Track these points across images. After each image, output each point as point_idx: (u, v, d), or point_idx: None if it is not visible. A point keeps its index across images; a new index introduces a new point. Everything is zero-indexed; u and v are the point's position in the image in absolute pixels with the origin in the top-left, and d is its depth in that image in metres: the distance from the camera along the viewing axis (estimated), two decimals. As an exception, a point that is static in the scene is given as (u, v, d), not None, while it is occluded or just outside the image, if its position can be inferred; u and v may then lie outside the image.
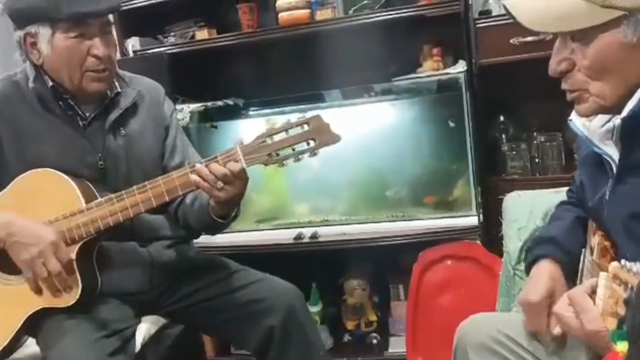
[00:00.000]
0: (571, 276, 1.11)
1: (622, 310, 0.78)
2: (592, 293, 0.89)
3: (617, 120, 0.95)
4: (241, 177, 1.35)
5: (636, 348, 0.71)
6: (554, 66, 0.98)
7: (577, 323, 0.89)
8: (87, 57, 1.41)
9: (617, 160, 1.00)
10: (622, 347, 0.75)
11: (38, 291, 1.39)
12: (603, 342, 0.81)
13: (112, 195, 1.39)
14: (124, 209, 1.38)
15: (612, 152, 1.01)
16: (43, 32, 1.40)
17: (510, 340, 1.18)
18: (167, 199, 1.38)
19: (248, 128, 2.34)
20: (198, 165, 1.34)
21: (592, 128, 1.04)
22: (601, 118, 1.04)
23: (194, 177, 1.34)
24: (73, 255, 1.37)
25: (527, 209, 1.54)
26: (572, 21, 0.91)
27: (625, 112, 0.93)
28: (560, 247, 1.15)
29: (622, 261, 0.80)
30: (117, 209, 1.38)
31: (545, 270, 1.13)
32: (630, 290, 0.75)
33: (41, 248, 1.32)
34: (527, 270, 1.20)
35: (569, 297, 0.92)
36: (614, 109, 0.97)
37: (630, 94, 0.92)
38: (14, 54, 2.68)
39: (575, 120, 1.07)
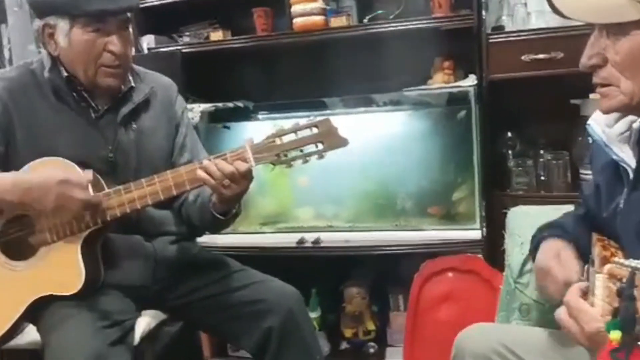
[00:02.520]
0: None
1: (617, 303, 0.79)
2: (583, 295, 0.90)
3: (636, 123, 0.96)
4: (247, 177, 1.36)
5: (629, 336, 0.74)
6: (585, 60, 0.99)
7: (578, 327, 0.90)
8: (103, 53, 1.43)
9: (633, 167, 1.01)
10: (615, 335, 0.76)
11: (42, 278, 1.40)
12: (602, 340, 0.81)
13: (121, 187, 1.40)
14: (132, 201, 1.39)
15: (629, 159, 1.02)
16: (62, 25, 1.41)
17: (510, 352, 1.18)
18: (174, 193, 1.39)
19: (256, 130, 2.35)
20: (206, 162, 1.36)
21: (610, 135, 1.05)
22: (620, 125, 1.05)
23: (200, 172, 1.35)
24: (74, 250, 1.38)
25: (531, 224, 1.54)
26: (610, 14, 0.93)
27: None
28: (567, 232, 1.16)
29: (615, 259, 0.82)
30: (125, 201, 1.39)
31: (553, 244, 1.14)
32: (623, 283, 0.77)
33: (56, 191, 1.32)
34: (533, 256, 1.20)
35: (564, 304, 0.93)
36: (637, 111, 0.98)
37: None
38: (28, 46, 2.72)
39: (594, 126, 1.08)
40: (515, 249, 1.53)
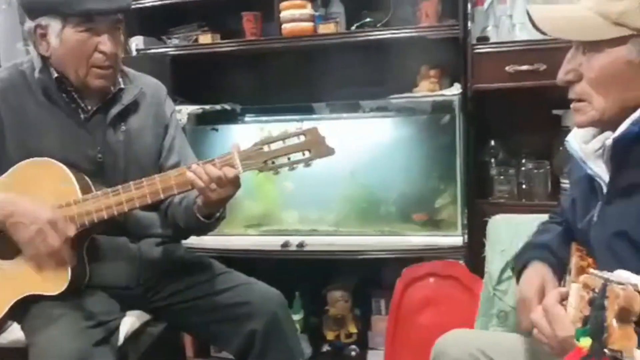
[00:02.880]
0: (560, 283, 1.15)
1: (588, 312, 0.83)
2: (563, 300, 0.93)
3: (609, 140, 1.00)
4: (234, 183, 1.38)
5: (598, 343, 0.77)
6: (562, 75, 1.04)
7: (551, 331, 0.93)
8: (94, 53, 1.44)
9: (606, 181, 1.05)
10: (585, 342, 0.79)
11: (27, 277, 1.41)
12: (569, 347, 0.85)
13: (109, 189, 1.41)
14: (119, 204, 1.40)
15: (603, 174, 1.05)
16: (53, 25, 1.43)
17: (487, 358, 1.21)
18: (162, 196, 1.41)
19: (243, 134, 2.38)
20: (194, 166, 1.38)
21: (586, 151, 1.09)
22: (596, 142, 1.09)
23: (190, 174, 1.37)
24: (71, 232, 1.39)
25: (511, 233, 1.58)
26: (586, 32, 0.99)
27: (617, 132, 0.99)
28: (552, 253, 1.18)
29: (591, 270, 0.85)
30: (112, 203, 1.40)
31: (538, 271, 1.16)
32: (595, 293, 0.80)
33: (40, 226, 1.34)
34: (518, 276, 1.22)
35: (542, 307, 0.96)
36: (609, 126, 1.02)
37: (626, 116, 0.98)
38: (16, 44, 2.71)
39: (572, 142, 1.11)
40: (495, 256, 1.57)
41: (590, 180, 1.09)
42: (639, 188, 0.98)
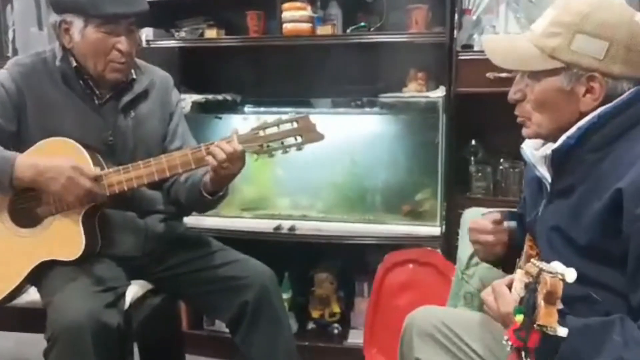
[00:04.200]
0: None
1: (524, 294, 1.00)
2: (510, 283, 1.09)
3: (549, 150, 1.16)
4: (241, 158, 1.52)
5: (528, 318, 0.94)
6: (511, 94, 1.21)
7: (496, 307, 1.09)
8: (112, 51, 1.58)
9: (549, 182, 1.21)
10: (519, 318, 0.96)
11: (46, 245, 1.56)
12: (509, 321, 1.02)
13: (120, 167, 1.56)
14: (129, 180, 1.55)
15: (548, 177, 1.21)
16: (77, 23, 1.56)
17: (453, 334, 1.36)
18: (167, 174, 1.55)
19: (242, 123, 2.49)
20: (211, 147, 1.51)
21: (536, 156, 1.24)
22: (543, 149, 1.24)
23: (206, 156, 1.51)
24: (76, 221, 1.54)
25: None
26: (528, 63, 1.15)
27: (556, 144, 1.14)
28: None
29: (532, 260, 1.02)
30: (123, 179, 1.55)
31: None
32: (531, 277, 0.97)
33: (68, 174, 1.47)
34: None
35: (492, 286, 1.13)
36: (550, 137, 1.18)
37: (566, 129, 1.13)
38: (31, 28, 2.83)
39: (526, 149, 1.27)
40: (465, 245, 1.72)
41: (539, 182, 1.25)
42: (573, 190, 1.13)
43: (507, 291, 1.07)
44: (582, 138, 1.11)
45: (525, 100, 1.18)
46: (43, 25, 2.64)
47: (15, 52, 2.65)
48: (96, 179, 1.52)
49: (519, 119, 1.21)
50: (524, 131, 1.21)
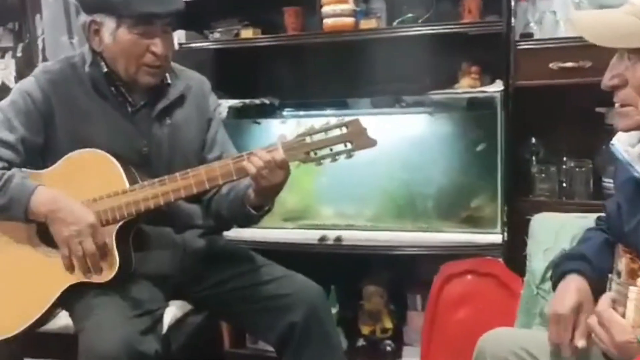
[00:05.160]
0: (598, 295, 1.14)
1: None
2: (613, 305, 0.94)
3: None
4: (283, 167, 1.39)
5: None
6: (606, 80, 1.05)
7: (608, 337, 0.93)
8: (146, 53, 1.48)
9: None
10: None
11: (76, 266, 1.45)
12: (634, 351, 0.85)
13: (155, 180, 1.45)
14: (165, 193, 1.44)
15: None
16: (108, 23, 1.46)
17: (532, 357, 1.21)
18: (207, 186, 1.44)
19: (282, 128, 2.39)
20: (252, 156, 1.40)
21: (633, 153, 1.09)
22: None
23: (246, 163, 1.39)
24: (108, 239, 1.43)
25: (554, 231, 1.58)
26: (628, 39, 0.99)
27: None
28: (590, 264, 1.18)
29: None
30: (159, 192, 1.43)
31: (574, 285, 1.16)
32: None
33: (80, 227, 1.38)
34: (554, 285, 1.22)
35: (596, 313, 0.96)
36: None
37: None
38: (61, 37, 2.78)
39: (617, 145, 1.11)
40: (539, 255, 1.56)
41: (636, 183, 1.09)
42: None
43: (618, 317, 0.92)
44: None
45: (628, 85, 1.01)
46: (73, 33, 2.60)
47: (45, 61, 2.60)
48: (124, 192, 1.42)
49: (618, 109, 1.05)
50: (623, 122, 1.05)
